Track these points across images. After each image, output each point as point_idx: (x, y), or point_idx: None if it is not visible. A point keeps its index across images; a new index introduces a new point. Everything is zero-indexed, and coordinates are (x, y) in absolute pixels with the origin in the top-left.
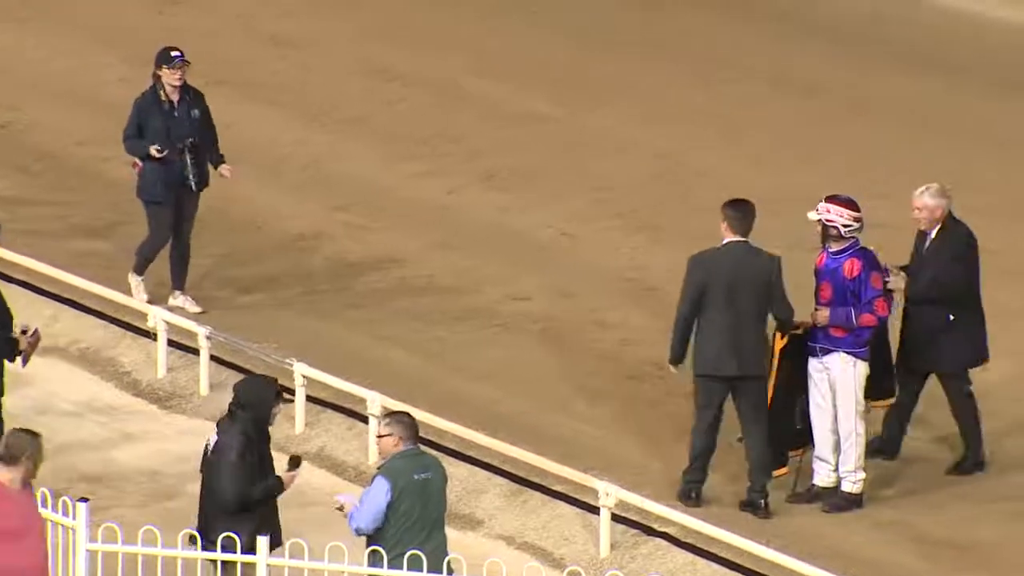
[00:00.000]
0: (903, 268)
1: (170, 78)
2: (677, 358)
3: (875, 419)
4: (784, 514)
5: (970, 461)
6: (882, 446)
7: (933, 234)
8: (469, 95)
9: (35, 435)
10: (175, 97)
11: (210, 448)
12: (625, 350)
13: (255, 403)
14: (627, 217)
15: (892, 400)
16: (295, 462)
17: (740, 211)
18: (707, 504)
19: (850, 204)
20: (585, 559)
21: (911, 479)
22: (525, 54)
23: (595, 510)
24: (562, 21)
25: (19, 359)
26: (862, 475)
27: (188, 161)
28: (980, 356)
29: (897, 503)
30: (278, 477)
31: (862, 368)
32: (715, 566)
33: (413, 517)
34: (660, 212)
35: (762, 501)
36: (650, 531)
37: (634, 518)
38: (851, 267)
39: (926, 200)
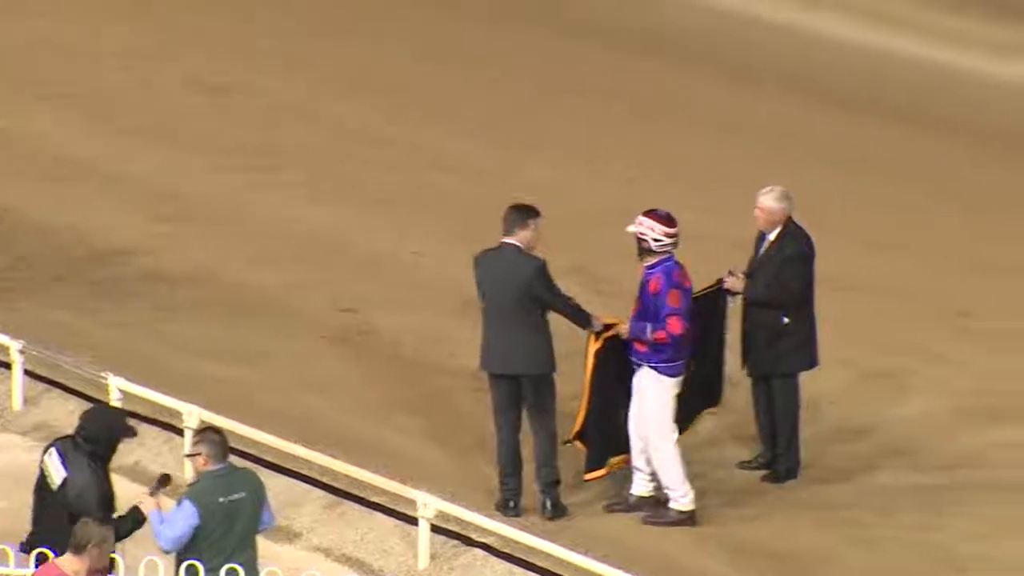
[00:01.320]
0: (747, 273)
1: None
2: None
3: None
4: (606, 523)
5: (784, 467)
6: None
7: (772, 236)
8: (300, 109)
9: (104, 524)
10: None
11: (56, 481)
12: (449, 362)
13: (103, 436)
14: (454, 231)
15: (713, 409)
16: (164, 481)
17: (508, 214)
18: (527, 514)
19: (665, 220)
20: (403, 570)
21: (727, 488)
22: (356, 69)
23: (414, 521)
24: (395, 37)
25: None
26: (686, 490)
27: None
28: (813, 361)
29: (714, 512)
30: (135, 508)
31: (668, 385)
32: (533, 575)
33: (215, 538)
34: (489, 226)
35: (547, 501)
36: (469, 541)
37: (453, 529)
38: (655, 283)
39: (768, 203)
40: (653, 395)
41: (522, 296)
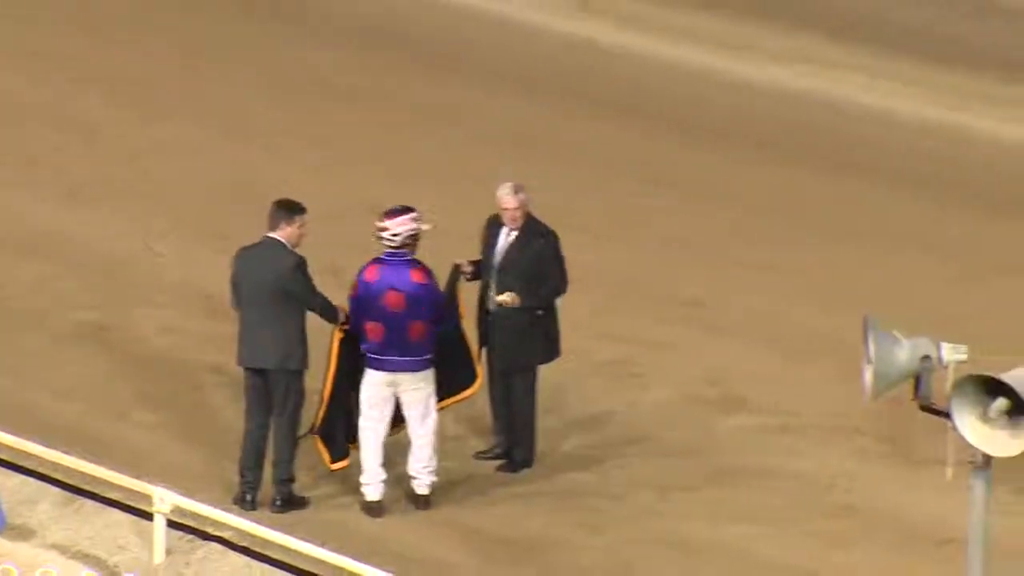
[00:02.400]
0: (474, 263)
1: None
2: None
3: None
4: (345, 515)
5: (520, 457)
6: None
7: (516, 232)
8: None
9: None
10: None
11: None
12: (187, 357)
13: None
14: (195, 228)
15: (469, 391)
16: None
17: (273, 209)
18: (263, 507)
19: (387, 215)
20: (140, 566)
21: (462, 477)
22: (90, 63)
23: (150, 516)
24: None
25: None
26: (368, 480)
27: None
28: (556, 352)
29: (450, 500)
30: None
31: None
32: (272, 568)
33: None
34: (230, 223)
35: (277, 498)
36: (205, 536)
37: (190, 524)
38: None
39: (520, 198)
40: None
41: (278, 291)
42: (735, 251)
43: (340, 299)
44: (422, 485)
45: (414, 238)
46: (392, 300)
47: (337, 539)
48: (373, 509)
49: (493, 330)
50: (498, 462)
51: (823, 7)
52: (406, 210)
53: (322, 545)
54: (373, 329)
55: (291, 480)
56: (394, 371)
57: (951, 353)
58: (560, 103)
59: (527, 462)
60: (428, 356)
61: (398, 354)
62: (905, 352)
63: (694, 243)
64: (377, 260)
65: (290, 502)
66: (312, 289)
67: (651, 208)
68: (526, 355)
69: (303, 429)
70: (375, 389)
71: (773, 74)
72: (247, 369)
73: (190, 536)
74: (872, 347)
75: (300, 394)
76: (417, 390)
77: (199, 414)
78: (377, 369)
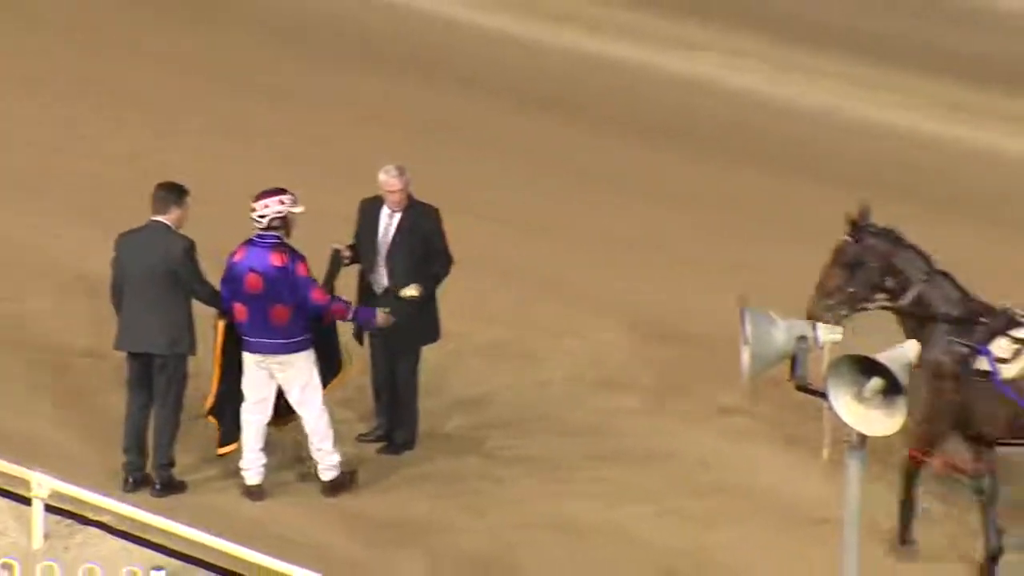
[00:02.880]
0: (351, 246)
1: None
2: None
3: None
4: (227, 499)
5: (402, 439)
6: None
7: (400, 214)
8: None
9: None
10: None
11: None
12: (63, 341)
13: None
14: (79, 212)
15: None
16: None
17: (157, 193)
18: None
19: (258, 196)
20: (18, 551)
21: (346, 460)
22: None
23: (28, 501)
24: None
25: None
26: (248, 465)
27: None
28: (439, 334)
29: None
30: None
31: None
32: (151, 552)
33: None
34: (117, 207)
35: (157, 482)
36: (85, 520)
37: (70, 508)
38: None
39: (405, 180)
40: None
41: (167, 275)
42: (621, 230)
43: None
44: (322, 470)
45: (283, 220)
46: (252, 282)
47: (218, 523)
48: (253, 493)
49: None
50: (379, 444)
51: (762, 6)
52: (277, 192)
53: (204, 529)
54: (239, 310)
55: (171, 464)
56: (263, 352)
57: (827, 333)
58: (491, 98)
59: (409, 444)
60: (298, 339)
61: (264, 336)
62: (781, 333)
63: (586, 231)
64: (247, 241)
65: (170, 486)
66: (200, 273)
67: (582, 204)
68: (412, 337)
69: (186, 415)
70: (249, 370)
71: (710, 71)
72: (129, 354)
73: (69, 521)
74: (749, 328)
75: (184, 379)
76: (288, 372)
77: (79, 398)
78: (246, 350)
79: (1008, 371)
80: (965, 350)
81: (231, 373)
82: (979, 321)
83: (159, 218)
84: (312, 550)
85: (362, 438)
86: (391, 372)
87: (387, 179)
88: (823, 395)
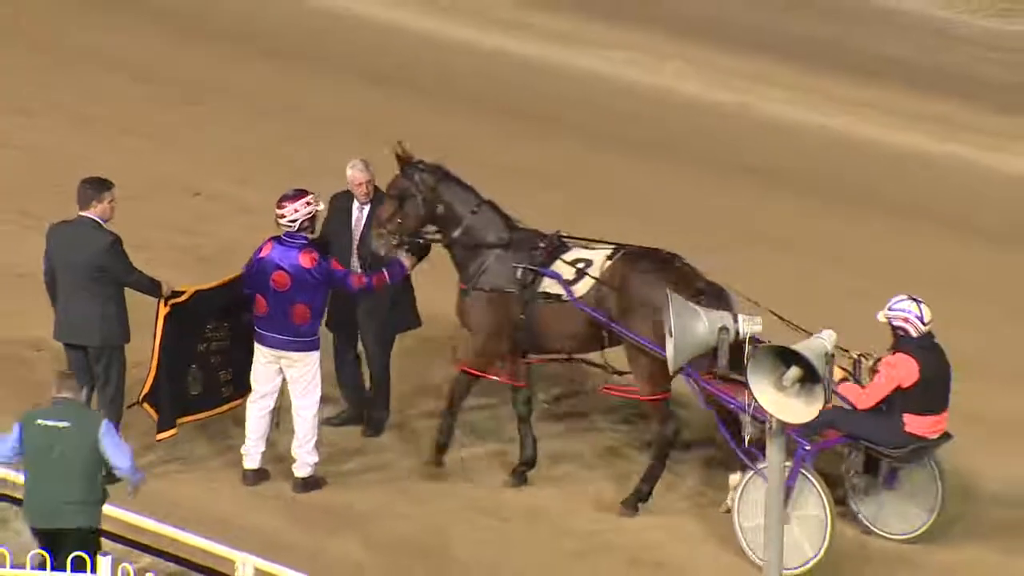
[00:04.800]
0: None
1: None
2: None
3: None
4: (172, 486)
5: (378, 416)
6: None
7: (369, 206)
8: None
9: None
10: None
11: None
12: (10, 334)
13: None
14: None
15: None
16: None
17: (83, 187)
18: None
19: (283, 200)
20: None
21: (287, 449)
22: None
23: None
24: None
25: None
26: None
27: None
28: (418, 319)
29: (276, 472)
30: None
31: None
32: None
33: (29, 459)
34: (31, 200)
35: None
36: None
37: (12, 495)
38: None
39: (370, 172)
40: None
41: (94, 269)
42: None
43: (161, 275)
44: (297, 466)
45: (312, 220)
46: (279, 279)
47: (160, 508)
48: (247, 476)
49: (362, 302)
50: (357, 428)
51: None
52: (301, 193)
53: (150, 516)
54: (260, 304)
55: None
56: (277, 348)
57: (747, 325)
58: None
59: (381, 424)
60: (311, 338)
61: (280, 332)
62: (704, 324)
63: None
64: (274, 238)
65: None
66: (129, 265)
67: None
68: (393, 325)
69: (129, 400)
70: (259, 364)
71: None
72: (67, 344)
73: (17, 508)
74: (672, 320)
75: (122, 366)
76: (299, 368)
77: (22, 389)
78: (260, 343)
79: (578, 291)
80: (529, 274)
81: (168, 360)
82: (536, 246)
83: (85, 213)
84: (251, 534)
85: (329, 422)
86: (358, 358)
87: (353, 173)
88: (744, 383)
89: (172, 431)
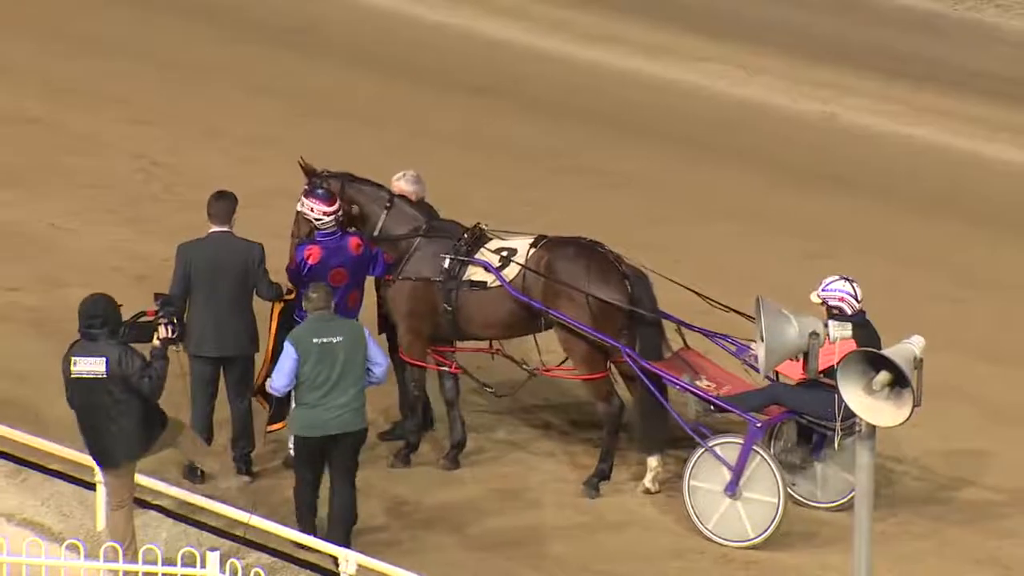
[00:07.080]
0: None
1: None
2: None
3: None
4: (279, 482)
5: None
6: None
7: None
8: None
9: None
10: None
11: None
12: None
13: (113, 316)
14: (115, 212)
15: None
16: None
17: (217, 203)
18: (212, 480)
19: (318, 202)
20: (83, 532)
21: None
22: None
23: (92, 487)
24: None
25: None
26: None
27: None
28: None
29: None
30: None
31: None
32: (205, 533)
33: (314, 376)
34: (145, 207)
35: (244, 468)
36: (144, 504)
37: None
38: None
39: (409, 186)
40: None
41: (241, 278)
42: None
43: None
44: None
45: (346, 215)
46: (336, 277)
47: (265, 506)
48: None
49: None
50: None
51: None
52: (329, 196)
53: (253, 511)
54: None
55: (252, 451)
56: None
57: (837, 330)
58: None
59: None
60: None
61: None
62: (794, 329)
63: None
64: (312, 242)
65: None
66: (267, 275)
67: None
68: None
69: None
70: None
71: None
72: (201, 356)
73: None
74: (764, 325)
75: (253, 373)
76: None
77: None
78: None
79: (505, 278)
80: (456, 264)
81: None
82: (460, 237)
83: (224, 228)
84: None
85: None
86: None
87: (401, 185)
88: (834, 387)
89: (281, 424)
